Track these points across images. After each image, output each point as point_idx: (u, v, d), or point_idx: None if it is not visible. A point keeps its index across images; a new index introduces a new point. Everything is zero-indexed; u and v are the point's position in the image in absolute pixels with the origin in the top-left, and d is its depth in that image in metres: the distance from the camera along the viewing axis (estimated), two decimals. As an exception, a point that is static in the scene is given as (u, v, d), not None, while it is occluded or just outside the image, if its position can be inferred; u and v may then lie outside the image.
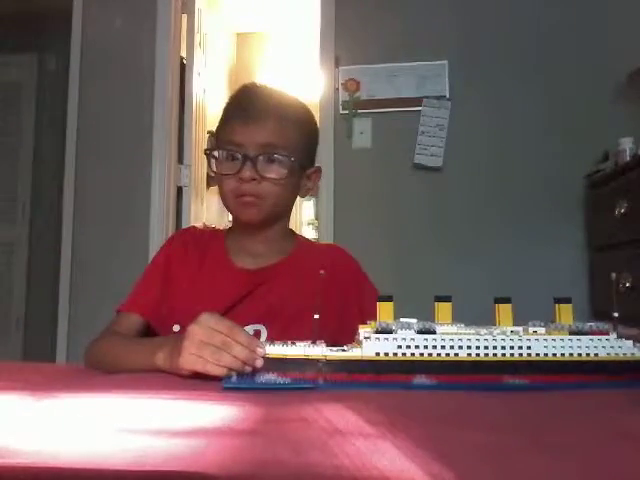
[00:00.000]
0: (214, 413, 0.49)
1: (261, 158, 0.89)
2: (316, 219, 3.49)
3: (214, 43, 3.26)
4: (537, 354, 0.62)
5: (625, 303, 1.72)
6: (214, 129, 1.00)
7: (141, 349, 0.77)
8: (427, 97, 2.46)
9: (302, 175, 0.97)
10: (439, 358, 0.61)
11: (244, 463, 0.34)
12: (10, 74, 3.23)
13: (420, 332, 0.61)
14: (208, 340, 0.63)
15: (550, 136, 2.38)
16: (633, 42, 2.32)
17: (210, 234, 1.06)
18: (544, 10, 2.43)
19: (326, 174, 2.44)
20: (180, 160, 2.74)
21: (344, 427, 0.43)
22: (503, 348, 0.61)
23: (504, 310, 0.64)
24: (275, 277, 0.95)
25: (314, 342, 0.62)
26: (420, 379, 0.60)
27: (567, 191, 2.34)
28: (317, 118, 1.11)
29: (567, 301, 0.65)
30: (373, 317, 0.63)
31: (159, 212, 2.58)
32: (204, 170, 2.85)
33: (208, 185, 2.98)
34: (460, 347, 0.61)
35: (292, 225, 1.07)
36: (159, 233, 2.56)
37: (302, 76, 3.79)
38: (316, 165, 1.01)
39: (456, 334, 0.61)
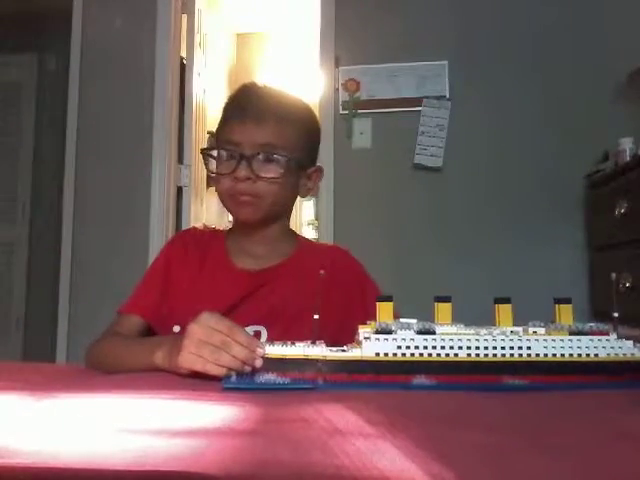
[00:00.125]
0: (214, 413, 0.49)
1: (258, 157, 0.89)
2: (316, 219, 3.49)
3: (214, 43, 3.26)
4: (537, 354, 0.62)
5: (625, 303, 1.72)
6: (214, 129, 1.00)
7: (141, 349, 0.77)
8: (427, 97, 2.46)
9: (302, 175, 0.96)
10: (439, 358, 0.61)
11: (244, 463, 0.34)
12: (10, 74, 3.23)
13: (420, 332, 0.61)
14: (207, 339, 0.63)
15: (550, 136, 2.38)
16: (633, 42, 2.32)
17: (210, 235, 1.06)
18: (544, 10, 2.43)
19: (326, 174, 2.41)
20: (180, 160, 2.74)
21: (344, 427, 0.43)
22: (503, 348, 0.61)
23: (504, 310, 0.64)
24: (276, 278, 0.95)
25: (314, 342, 0.62)
26: (420, 379, 0.60)
27: (567, 191, 2.34)
28: (318, 118, 1.11)
29: (567, 301, 0.65)
30: (374, 316, 0.63)
31: (159, 212, 2.58)
32: (204, 170, 2.83)
33: (208, 185, 2.98)
34: (460, 347, 0.61)
35: (292, 225, 1.07)
36: (159, 233, 2.56)
37: (302, 76, 3.79)
38: (317, 165, 1.01)
39: (456, 334, 0.61)
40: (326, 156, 2.42)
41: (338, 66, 2.53)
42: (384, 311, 0.63)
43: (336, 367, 0.61)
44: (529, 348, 0.62)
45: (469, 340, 0.61)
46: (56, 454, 0.35)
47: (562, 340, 0.62)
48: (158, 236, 2.55)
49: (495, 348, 0.61)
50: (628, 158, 1.96)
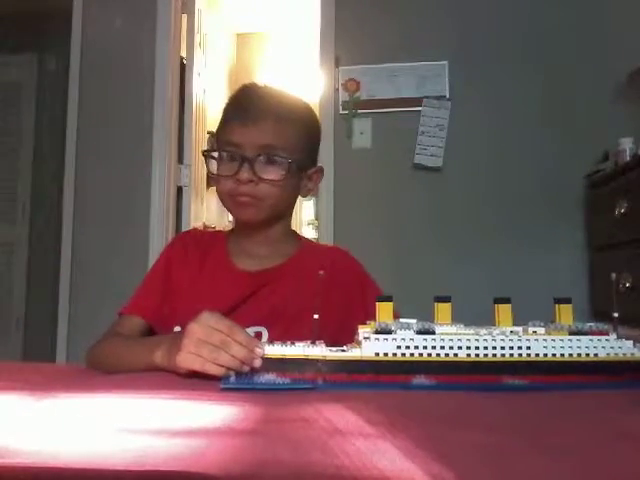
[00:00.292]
0: (214, 413, 0.49)
1: (259, 159, 0.88)
2: (316, 219, 3.49)
3: (214, 43, 3.26)
4: (537, 354, 0.62)
5: (625, 303, 1.72)
6: (214, 129, 1.00)
7: (141, 348, 0.77)
8: (427, 97, 2.46)
9: (302, 175, 0.96)
10: (438, 358, 0.61)
11: (244, 463, 0.34)
12: (10, 74, 3.23)
13: (419, 332, 0.61)
14: (207, 339, 0.63)
15: (550, 136, 2.38)
16: (633, 42, 2.32)
17: (211, 236, 1.06)
18: (544, 10, 2.43)
19: (326, 174, 2.40)
20: (180, 160, 2.74)
21: (344, 427, 0.43)
22: (502, 348, 0.61)
23: (504, 310, 0.64)
24: (277, 279, 0.95)
25: (313, 342, 0.62)
26: (419, 379, 0.60)
27: (567, 191, 2.34)
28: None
29: (567, 301, 0.65)
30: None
31: (159, 212, 2.58)
32: (204, 170, 2.84)
33: (208, 185, 2.98)
34: (459, 347, 0.61)
35: (292, 225, 1.07)
36: (159, 233, 2.56)
37: (302, 76, 3.79)
38: (318, 165, 1.01)
39: (455, 334, 0.61)
40: (326, 156, 2.42)
41: (338, 66, 2.53)
42: (384, 311, 0.63)
43: (336, 367, 0.61)
44: (529, 348, 0.62)
45: (469, 340, 0.61)
46: (56, 454, 0.35)
47: (562, 340, 0.62)
48: (158, 236, 2.55)
49: (495, 348, 0.61)
50: (628, 158, 1.96)
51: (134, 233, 2.58)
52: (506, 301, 0.64)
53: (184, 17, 2.84)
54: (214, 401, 0.53)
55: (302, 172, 0.95)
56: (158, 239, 2.54)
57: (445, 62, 2.46)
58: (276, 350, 0.61)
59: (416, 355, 0.61)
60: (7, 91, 3.22)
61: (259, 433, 0.42)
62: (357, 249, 1.04)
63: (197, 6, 2.86)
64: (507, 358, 0.61)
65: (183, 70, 2.79)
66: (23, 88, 3.21)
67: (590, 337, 0.62)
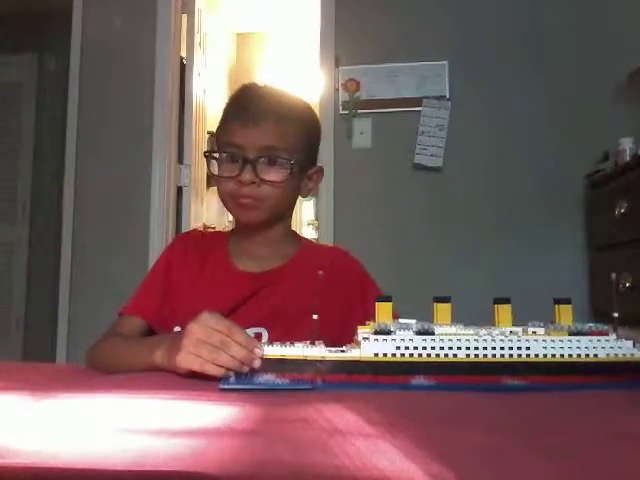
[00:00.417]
0: (214, 413, 0.49)
1: (261, 160, 0.88)
2: (316, 219, 3.49)
3: (214, 43, 3.26)
4: (536, 355, 0.62)
5: (625, 303, 1.72)
6: (214, 129, 0.99)
7: (141, 348, 0.77)
8: (427, 97, 2.46)
9: (303, 176, 0.96)
10: (438, 359, 0.61)
11: (244, 463, 0.34)
12: (10, 74, 3.23)
13: (419, 333, 0.61)
14: (206, 339, 0.63)
15: (550, 136, 2.38)
16: (633, 42, 2.32)
17: (212, 237, 1.06)
18: (544, 10, 2.43)
19: (326, 174, 2.40)
20: (180, 160, 2.74)
21: (344, 427, 0.43)
22: (502, 349, 0.61)
23: (503, 311, 0.64)
24: (277, 280, 0.95)
25: (313, 343, 0.62)
26: (419, 380, 0.60)
27: (567, 191, 2.34)
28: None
29: (567, 302, 0.65)
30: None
31: (159, 212, 2.58)
32: (204, 170, 2.85)
33: (208, 185, 2.98)
34: (459, 348, 0.61)
35: (292, 225, 1.07)
36: (159, 233, 2.56)
37: (302, 76, 3.79)
38: (318, 165, 1.01)
39: (455, 335, 0.61)
40: (326, 156, 2.42)
41: (338, 66, 2.53)
42: (383, 311, 0.63)
43: (335, 368, 0.60)
44: (528, 349, 0.62)
45: (468, 341, 0.61)
46: (56, 454, 0.36)
47: (561, 340, 0.62)
48: (158, 236, 2.55)
49: (494, 349, 0.61)
50: (628, 158, 1.96)
51: (134, 233, 2.58)
52: (506, 301, 0.64)
53: (184, 17, 2.84)
54: (214, 401, 0.53)
55: (303, 172, 0.95)
56: (158, 239, 2.54)
57: (445, 62, 2.46)
58: (275, 351, 0.61)
59: (415, 356, 0.61)
60: (7, 91, 3.22)
61: (259, 433, 0.42)
62: (357, 249, 1.04)
63: (197, 6, 2.86)
64: (506, 359, 0.61)
65: (183, 70, 2.79)
66: (23, 88, 3.21)
67: (590, 337, 0.62)
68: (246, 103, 0.92)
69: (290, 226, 1.04)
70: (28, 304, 3.09)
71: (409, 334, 0.61)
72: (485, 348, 0.61)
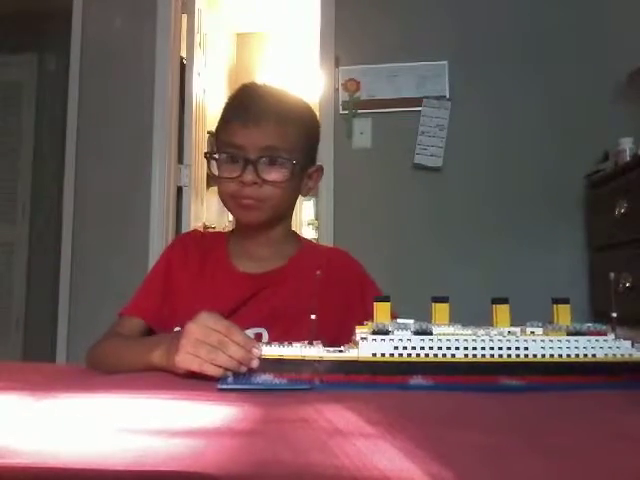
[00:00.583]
0: (213, 413, 0.49)
1: (262, 161, 0.88)
2: (316, 219, 3.49)
3: (214, 43, 3.26)
4: (534, 355, 0.61)
5: (625, 303, 1.72)
6: (214, 129, 0.99)
7: (139, 348, 0.77)
8: (427, 97, 2.46)
9: (303, 175, 0.96)
10: (435, 359, 0.61)
11: (244, 463, 0.34)
12: (10, 74, 3.23)
13: (416, 333, 0.61)
14: (204, 339, 0.63)
15: (550, 136, 2.38)
16: (633, 42, 2.32)
17: (212, 237, 1.06)
18: (544, 10, 2.43)
19: (326, 174, 2.41)
20: (180, 160, 2.74)
21: (344, 427, 0.43)
22: (500, 349, 0.61)
23: (501, 311, 0.64)
24: (277, 281, 0.95)
25: (311, 343, 0.62)
26: (416, 380, 0.60)
27: (567, 191, 2.34)
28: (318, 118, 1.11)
29: (565, 302, 0.64)
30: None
31: (159, 212, 2.58)
32: (204, 170, 2.85)
33: (208, 185, 2.98)
34: (457, 348, 0.61)
35: (292, 225, 1.07)
36: (159, 233, 2.56)
37: (302, 76, 3.79)
38: (317, 164, 1.01)
39: (453, 335, 0.61)
40: (326, 156, 2.42)
41: (338, 66, 2.53)
42: (381, 311, 0.63)
43: (333, 368, 0.60)
44: (526, 349, 0.61)
45: (466, 341, 0.61)
46: (56, 454, 0.36)
47: (560, 341, 0.62)
48: (158, 236, 2.55)
49: (492, 349, 0.61)
50: (628, 158, 1.96)
51: (134, 233, 2.58)
52: (504, 301, 0.64)
53: (184, 17, 2.84)
54: (213, 401, 0.53)
55: (303, 172, 0.96)
56: (158, 239, 2.54)
57: (445, 62, 2.46)
58: (273, 351, 0.61)
59: (413, 356, 0.61)
60: (7, 91, 3.22)
61: (258, 433, 0.42)
62: (357, 249, 1.04)
63: (197, 6, 2.86)
64: (505, 359, 0.61)
65: (183, 70, 2.79)
66: (23, 88, 3.21)
67: (588, 338, 0.62)
68: (246, 103, 0.92)
69: (290, 226, 1.04)
70: (28, 304, 3.09)
71: (407, 334, 0.61)
72: (483, 348, 0.61)
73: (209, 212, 3.05)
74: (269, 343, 0.62)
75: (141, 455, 0.35)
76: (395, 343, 0.61)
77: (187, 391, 0.57)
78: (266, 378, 0.60)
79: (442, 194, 2.43)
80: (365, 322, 0.63)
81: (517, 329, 0.63)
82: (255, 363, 0.61)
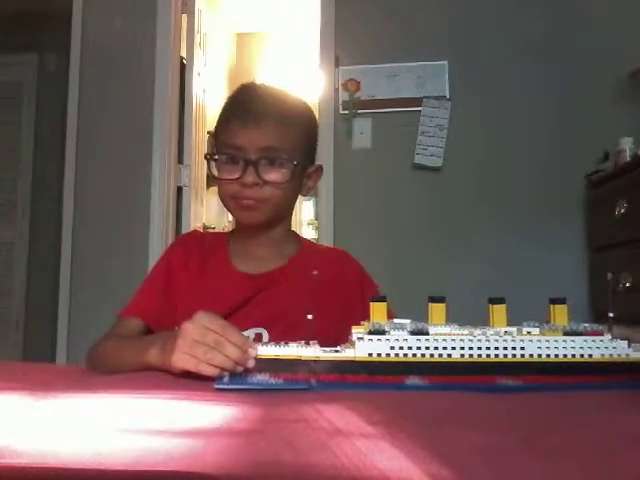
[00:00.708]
0: (213, 413, 0.49)
1: (262, 162, 0.88)
2: (316, 219, 3.49)
3: (214, 43, 3.26)
4: (531, 355, 0.61)
5: (625, 303, 1.72)
6: (213, 129, 0.99)
7: (135, 348, 0.76)
8: (427, 97, 2.46)
9: (303, 175, 0.96)
10: (432, 359, 0.60)
11: (243, 463, 0.34)
12: (10, 74, 3.23)
13: (413, 333, 0.61)
14: (201, 339, 0.63)
15: (550, 136, 2.38)
16: (633, 42, 2.32)
17: (212, 238, 1.06)
18: (544, 10, 2.43)
19: (326, 174, 2.43)
20: (180, 160, 2.74)
21: (344, 427, 0.43)
22: (496, 349, 0.61)
23: (498, 311, 0.64)
24: (277, 281, 0.95)
25: (307, 343, 0.62)
26: (413, 380, 0.60)
27: (567, 191, 2.34)
28: (317, 118, 1.11)
29: (562, 302, 0.64)
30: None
31: (159, 212, 2.58)
32: (204, 170, 2.85)
33: (208, 185, 2.98)
34: (453, 348, 0.61)
35: (292, 225, 1.07)
36: (159, 233, 2.56)
37: (302, 76, 3.79)
38: (317, 163, 1.01)
39: (449, 335, 0.61)
40: (326, 156, 2.42)
41: (338, 66, 2.53)
42: (377, 311, 0.63)
43: (329, 368, 0.60)
44: (523, 349, 0.61)
45: (462, 341, 0.61)
46: (56, 454, 0.36)
47: (556, 341, 0.62)
48: (158, 236, 2.55)
49: (489, 349, 0.61)
50: (628, 158, 1.96)
51: (134, 233, 2.58)
52: (500, 301, 0.64)
53: (184, 17, 2.84)
54: (213, 401, 0.53)
55: (303, 171, 0.96)
56: (158, 239, 2.54)
57: (445, 62, 2.46)
58: (270, 351, 0.61)
59: (410, 356, 0.60)
60: (7, 91, 3.22)
61: (258, 433, 0.42)
62: (357, 249, 1.04)
63: (197, 6, 2.86)
64: (501, 359, 0.61)
65: (183, 70, 2.79)
66: (23, 88, 3.21)
67: (584, 338, 0.62)
68: (246, 103, 0.92)
69: (290, 226, 1.04)
70: (28, 304, 3.09)
71: (403, 334, 0.61)
72: (480, 348, 0.61)
73: (209, 212, 3.05)
74: (266, 343, 0.62)
75: (141, 455, 0.35)
76: (391, 343, 0.61)
77: (187, 391, 0.57)
78: (262, 378, 0.60)
79: (442, 194, 2.43)
80: (362, 322, 0.63)
81: (514, 329, 0.62)
82: (251, 363, 0.61)
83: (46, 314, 2.82)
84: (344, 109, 2.51)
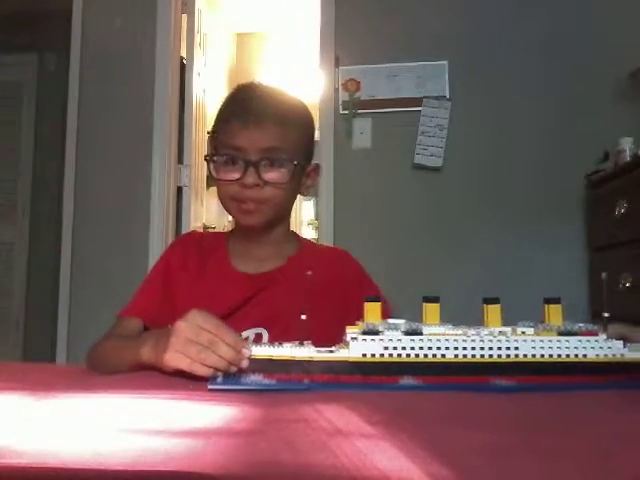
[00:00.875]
0: (213, 413, 0.49)
1: (263, 162, 0.88)
2: (316, 219, 3.49)
3: (214, 43, 3.26)
4: (525, 355, 0.61)
5: (625, 303, 1.72)
6: (211, 129, 0.99)
7: (129, 347, 0.76)
8: (427, 97, 2.46)
9: (302, 174, 0.96)
10: (425, 359, 0.60)
11: (243, 463, 0.34)
12: (10, 74, 3.23)
13: (407, 333, 0.61)
14: (195, 338, 0.62)
15: (550, 136, 2.38)
16: (633, 42, 2.32)
17: (211, 238, 1.06)
18: (544, 10, 2.43)
19: (326, 174, 2.44)
20: (180, 160, 2.74)
21: (344, 427, 0.43)
22: (490, 349, 0.61)
23: (493, 311, 0.63)
24: (277, 281, 0.95)
25: (301, 343, 0.61)
26: (406, 380, 0.60)
27: (567, 191, 2.34)
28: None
29: (556, 301, 0.64)
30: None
31: (159, 212, 2.58)
32: (204, 170, 2.85)
33: (208, 185, 2.98)
34: (447, 348, 0.60)
35: (292, 225, 1.07)
36: (159, 233, 2.56)
37: (302, 76, 3.79)
38: (314, 162, 1.01)
39: (443, 335, 0.61)
40: (326, 156, 2.42)
41: (338, 66, 2.53)
42: (371, 311, 0.63)
43: (323, 368, 0.60)
44: (517, 349, 0.61)
45: (456, 341, 0.61)
46: (56, 454, 0.36)
47: (550, 341, 0.62)
48: (158, 236, 2.55)
49: (482, 349, 0.61)
50: (628, 158, 1.96)
51: (134, 233, 2.58)
52: (495, 301, 0.64)
53: (184, 17, 2.84)
54: (213, 401, 0.53)
55: (302, 171, 0.96)
56: (158, 239, 2.54)
57: (445, 62, 2.46)
58: (264, 351, 0.61)
59: (403, 356, 0.60)
60: (7, 91, 3.22)
61: (258, 433, 0.42)
62: (357, 249, 1.04)
63: (197, 6, 2.86)
64: (495, 359, 0.61)
65: (183, 70, 2.79)
66: (23, 88, 3.21)
67: (579, 338, 0.62)
68: (246, 103, 0.91)
69: (289, 226, 1.04)
70: (28, 304, 3.09)
71: (397, 334, 0.61)
72: (473, 348, 0.61)
73: (209, 212, 3.05)
74: (260, 343, 0.62)
75: (140, 455, 0.35)
76: (385, 343, 0.60)
77: (187, 391, 0.57)
78: (256, 378, 0.60)
79: (442, 194, 2.43)
80: (357, 322, 0.63)
81: (508, 329, 0.62)
82: (245, 363, 0.61)
83: (46, 314, 2.82)
84: (344, 109, 2.51)
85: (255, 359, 0.61)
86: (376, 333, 0.61)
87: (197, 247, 1.00)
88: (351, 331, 0.62)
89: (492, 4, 2.48)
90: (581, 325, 0.63)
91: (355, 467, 0.33)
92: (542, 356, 0.61)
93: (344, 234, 2.42)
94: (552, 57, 2.41)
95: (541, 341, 0.62)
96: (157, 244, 2.52)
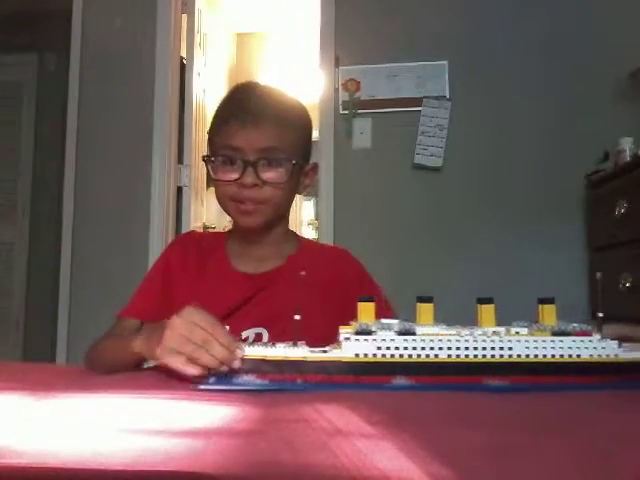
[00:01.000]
0: (213, 413, 0.49)
1: (261, 162, 0.88)
2: (316, 219, 3.49)
3: (214, 43, 3.26)
4: (518, 355, 0.61)
5: (625, 303, 1.72)
6: (209, 129, 0.99)
7: (125, 344, 0.76)
8: (427, 97, 2.46)
9: (300, 174, 0.96)
10: (418, 359, 0.60)
11: (243, 463, 0.34)
12: (10, 74, 3.23)
13: (400, 333, 0.61)
14: (189, 335, 0.62)
15: (550, 136, 2.38)
16: (633, 42, 2.32)
17: (211, 238, 1.06)
18: (544, 10, 2.43)
19: (326, 174, 2.44)
20: (180, 160, 2.74)
21: (344, 427, 0.43)
22: (484, 349, 0.61)
23: (486, 311, 0.63)
24: (276, 280, 0.95)
25: (295, 343, 0.61)
26: (399, 380, 0.60)
27: (567, 191, 2.34)
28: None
29: (550, 301, 0.64)
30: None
31: (159, 212, 2.58)
32: (204, 170, 2.84)
33: (208, 185, 2.98)
34: (440, 348, 0.60)
35: (292, 225, 1.07)
36: (159, 233, 2.56)
37: (302, 76, 3.79)
38: (312, 162, 1.00)
39: (436, 335, 0.61)
40: (326, 156, 2.42)
41: (338, 66, 2.53)
42: (365, 311, 0.63)
43: (316, 368, 0.60)
44: (510, 349, 0.61)
45: (449, 341, 0.61)
46: (56, 454, 0.36)
47: (544, 341, 0.61)
48: (158, 236, 2.55)
49: (476, 349, 0.60)
50: (628, 158, 1.96)
51: (134, 233, 2.58)
52: (488, 301, 0.63)
53: (184, 17, 2.84)
54: (214, 401, 0.53)
55: (300, 170, 0.95)
56: (158, 239, 2.54)
57: (445, 62, 2.46)
58: (257, 351, 0.61)
59: (396, 356, 0.60)
60: (7, 91, 3.21)
61: (258, 433, 0.42)
62: (357, 249, 1.04)
63: (197, 6, 2.86)
64: (488, 359, 0.60)
65: (183, 70, 2.79)
66: (23, 88, 3.21)
67: (573, 338, 0.62)
68: (244, 103, 0.91)
69: (288, 225, 1.04)
70: (28, 304, 3.08)
71: (390, 334, 0.60)
72: (467, 348, 0.60)
73: (209, 212, 3.05)
74: (253, 343, 0.62)
75: (140, 455, 0.35)
76: (378, 343, 0.60)
77: (187, 391, 0.57)
78: (248, 379, 0.60)
79: (442, 194, 2.43)
80: (350, 322, 0.63)
81: (502, 329, 0.62)
82: (237, 364, 0.60)
83: (46, 314, 2.82)
84: (344, 109, 2.51)
85: (248, 359, 0.61)
86: (369, 333, 0.61)
87: (197, 247, 1.00)
88: (344, 331, 0.61)
89: (492, 4, 2.48)
90: (575, 325, 0.63)
91: (355, 467, 0.33)
92: (536, 356, 0.61)
93: (344, 234, 2.42)
94: (552, 57, 2.41)
95: (535, 341, 0.61)
96: (157, 244, 2.52)
